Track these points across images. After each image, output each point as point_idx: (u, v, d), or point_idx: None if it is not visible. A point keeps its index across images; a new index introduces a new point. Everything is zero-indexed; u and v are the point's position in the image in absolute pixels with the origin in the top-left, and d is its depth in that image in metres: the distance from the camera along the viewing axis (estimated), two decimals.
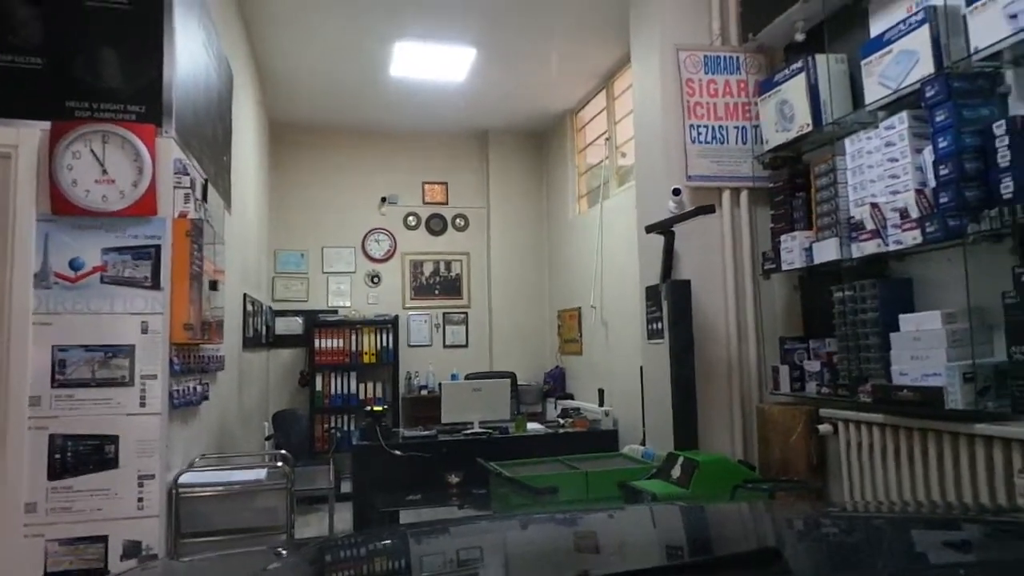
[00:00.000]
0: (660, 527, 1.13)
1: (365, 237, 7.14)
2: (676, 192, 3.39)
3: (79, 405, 2.72)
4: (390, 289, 7.18)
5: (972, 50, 2.31)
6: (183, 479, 2.94)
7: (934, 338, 2.62)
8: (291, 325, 6.87)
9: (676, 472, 3.44)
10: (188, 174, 2.78)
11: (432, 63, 5.38)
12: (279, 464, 3.25)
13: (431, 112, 6.57)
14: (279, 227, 6.86)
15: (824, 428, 3.32)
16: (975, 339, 2.56)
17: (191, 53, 3.07)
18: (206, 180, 3.19)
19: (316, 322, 6.78)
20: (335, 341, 6.79)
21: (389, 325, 6.86)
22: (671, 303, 3.45)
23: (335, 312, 6.95)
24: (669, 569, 0.81)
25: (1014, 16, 2.11)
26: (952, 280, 2.68)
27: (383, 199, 7.14)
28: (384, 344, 6.87)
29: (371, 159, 7.15)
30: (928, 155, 2.51)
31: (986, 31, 2.22)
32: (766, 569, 0.68)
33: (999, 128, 2.28)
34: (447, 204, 7.31)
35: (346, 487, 4.96)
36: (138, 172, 2.63)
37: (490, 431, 5.56)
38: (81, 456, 2.76)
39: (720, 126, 3.36)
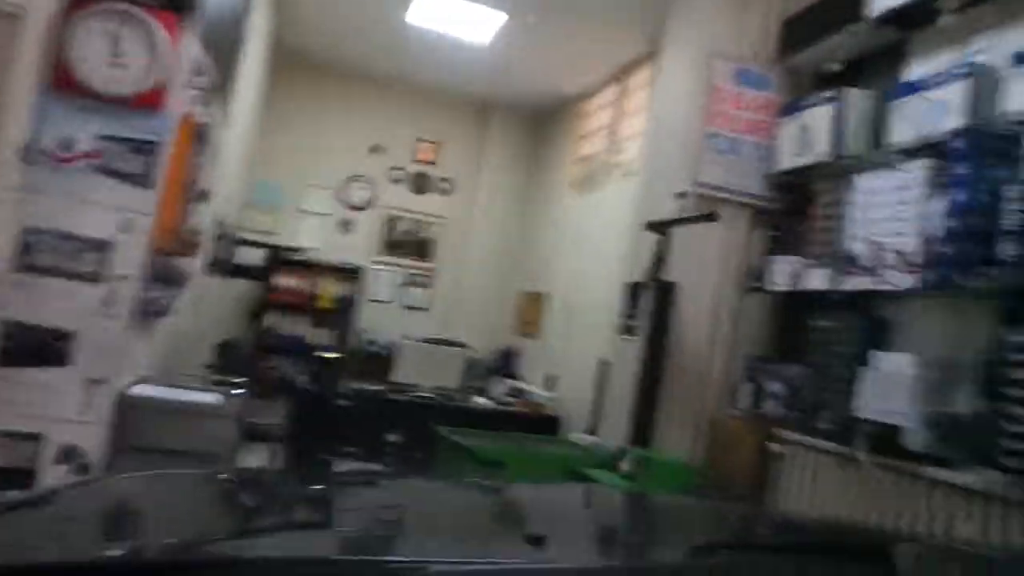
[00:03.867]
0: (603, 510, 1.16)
1: (346, 182, 6.98)
2: (681, 195, 3.42)
3: (41, 294, 2.57)
4: (361, 239, 7.04)
5: (1005, 111, 2.38)
6: (135, 391, 2.83)
7: (905, 380, 2.71)
8: (252, 256, 6.67)
9: (627, 466, 3.50)
10: (203, 74, 2.65)
11: (456, 19, 5.24)
12: (235, 392, 3.16)
13: (439, 69, 6.44)
14: (261, 155, 6.63)
15: (776, 448, 3.41)
16: (943, 388, 2.66)
17: None
18: (216, 85, 3.05)
19: (279, 258, 6.60)
20: (294, 281, 6.64)
21: (354, 275, 6.74)
22: (655, 302, 3.49)
23: (300, 251, 6.78)
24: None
25: None
26: (930, 328, 2.78)
27: (372, 147, 6.98)
28: (344, 293, 6.76)
29: (367, 104, 6.97)
30: (939, 205, 2.58)
31: (1023, 96, 2.30)
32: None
33: (1011, 192, 2.36)
34: (435, 165, 7.20)
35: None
36: (152, 61, 2.48)
37: (437, 397, 5.56)
38: (31, 348, 2.61)
39: (738, 138, 3.40)
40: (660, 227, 3.41)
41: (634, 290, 3.91)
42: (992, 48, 2.61)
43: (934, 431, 2.61)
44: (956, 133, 2.51)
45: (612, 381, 4.25)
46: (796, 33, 3.40)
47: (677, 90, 3.64)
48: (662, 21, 4.23)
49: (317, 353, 5.61)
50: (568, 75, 6.20)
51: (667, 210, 3.53)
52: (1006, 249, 2.34)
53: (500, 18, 5.05)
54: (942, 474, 2.56)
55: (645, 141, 3.98)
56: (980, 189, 2.41)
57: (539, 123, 7.38)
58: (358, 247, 7.00)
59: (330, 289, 6.77)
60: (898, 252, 2.71)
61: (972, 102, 2.50)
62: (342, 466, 4.26)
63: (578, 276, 5.92)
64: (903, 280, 2.69)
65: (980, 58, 2.58)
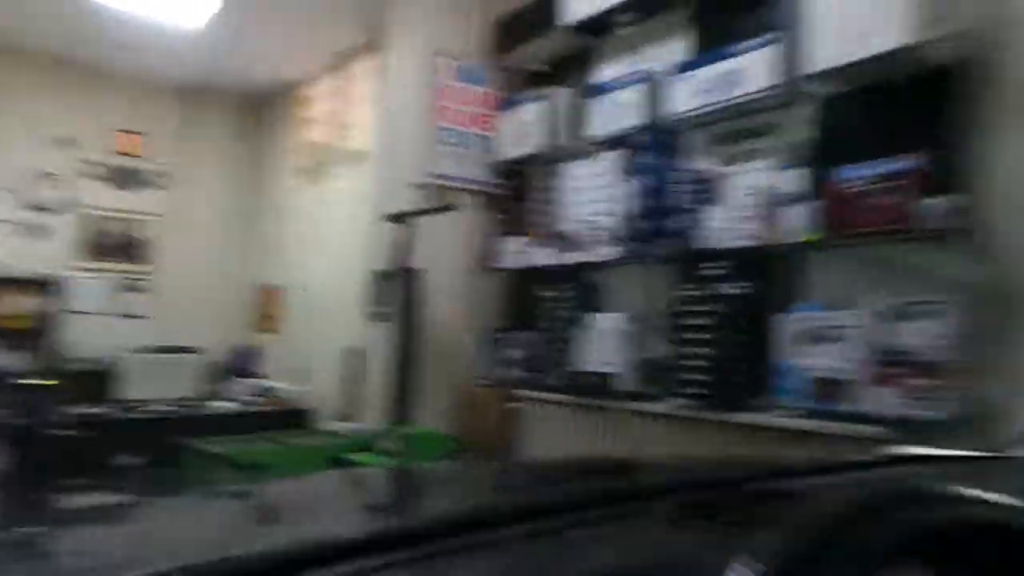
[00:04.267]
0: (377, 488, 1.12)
1: (32, 181, 5.99)
2: (418, 185, 3.63)
3: None
4: (59, 245, 6.13)
5: (672, 111, 2.98)
6: None
7: (614, 335, 3.27)
8: None
9: (390, 444, 3.69)
10: None
11: (160, 3, 4.79)
12: None
13: (139, 53, 5.80)
14: None
15: (518, 406, 3.86)
16: (642, 338, 3.27)
17: None
18: None
19: None
20: None
21: (52, 286, 5.88)
22: (402, 288, 3.68)
23: None
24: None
25: (705, 92, 2.80)
26: (631, 290, 3.38)
27: (59, 139, 6.07)
28: (40, 309, 5.88)
29: (48, 91, 6.02)
30: (628, 188, 3.14)
31: (684, 99, 2.90)
32: None
33: (680, 177, 2.98)
34: (143, 158, 6.49)
35: None
36: None
37: (174, 408, 5.19)
38: None
39: (465, 132, 3.69)
40: (401, 218, 3.59)
41: (380, 277, 4.06)
42: (660, 57, 3.22)
43: (637, 374, 3.21)
44: (635, 129, 3.07)
45: (368, 367, 4.38)
46: (507, 34, 3.79)
47: (404, 84, 3.82)
48: (381, 13, 4.36)
49: (18, 381, 4.83)
50: (285, 61, 6.03)
51: (405, 199, 3.72)
52: (675, 223, 2.96)
53: (214, 3, 4.75)
54: (644, 406, 3.16)
55: (377, 132, 4.11)
56: (656, 176, 3.00)
57: (258, 110, 7.06)
58: (54, 254, 6.10)
59: (21, 305, 5.84)
60: (602, 229, 3.24)
61: (647, 103, 3.07)
62: (72, 501, 3.81)
63: (317, 266, 5.88)
64: (607, 252, 3.23)
65: (652, 65, 3.17)
